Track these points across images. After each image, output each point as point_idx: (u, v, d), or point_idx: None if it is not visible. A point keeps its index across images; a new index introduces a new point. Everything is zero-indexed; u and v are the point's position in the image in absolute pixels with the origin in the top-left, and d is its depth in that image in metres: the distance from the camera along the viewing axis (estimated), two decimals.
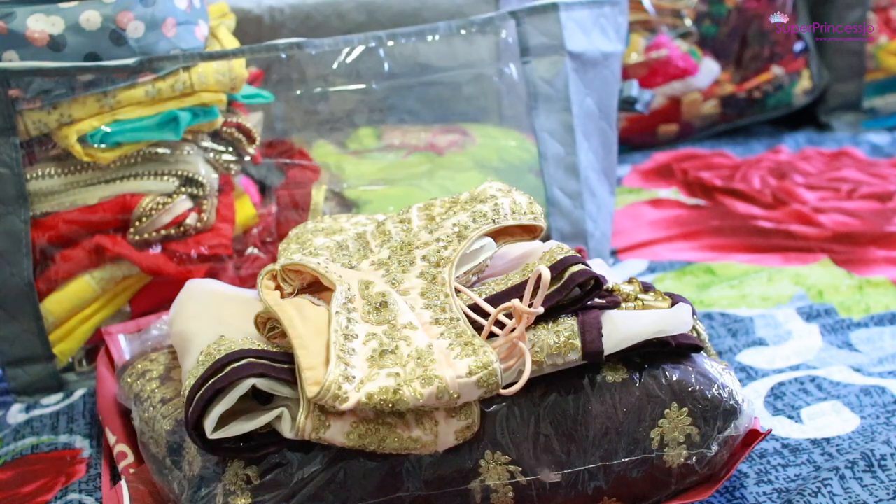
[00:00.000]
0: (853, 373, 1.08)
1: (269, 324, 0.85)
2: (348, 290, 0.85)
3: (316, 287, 0.89)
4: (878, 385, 1.04)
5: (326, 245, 0.95)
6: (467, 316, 0.84)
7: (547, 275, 0.79)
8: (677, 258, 1.42)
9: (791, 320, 1.21)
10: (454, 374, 0.77)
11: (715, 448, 0.85)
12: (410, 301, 0.85)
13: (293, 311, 0.83)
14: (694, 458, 0.84)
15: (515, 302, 0.80)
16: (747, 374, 1.09)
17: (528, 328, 0.82)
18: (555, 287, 0.84)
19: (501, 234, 0.95)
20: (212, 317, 0.89)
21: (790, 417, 1.00)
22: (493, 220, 0.93)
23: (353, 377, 0.77)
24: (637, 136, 1.87)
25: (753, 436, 0.88)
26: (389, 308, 0.84)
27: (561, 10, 1.23)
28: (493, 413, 0.82)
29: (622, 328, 0.83)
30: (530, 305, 0.80)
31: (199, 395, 0.77)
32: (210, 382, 0.77)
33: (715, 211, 1.58)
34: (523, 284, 0.85)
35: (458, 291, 0.87)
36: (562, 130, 1.26)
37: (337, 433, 0.77)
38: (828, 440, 0.96)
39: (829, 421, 0.99)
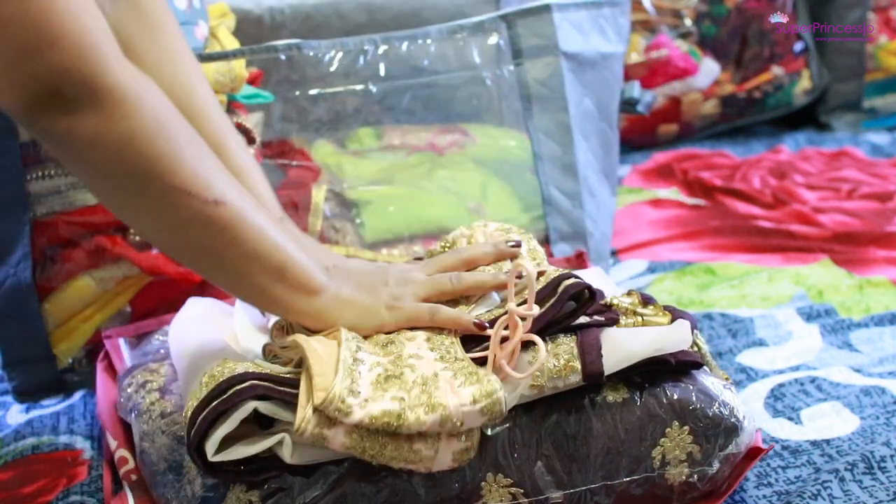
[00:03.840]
0: (853, 373, 1.08)
1: (275, 352, 0.86)
2: (355, 336, 0.85)
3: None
4: (879, 386, 1.04)
5: None
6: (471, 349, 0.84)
7: (531, 271, 0.80)
8: (677, 258, 1.42)
9: (791, 320, 1.21)
10: (458, 402, 0.77)
11: (716, 465, 0.84)
12: (416, 345, 0.85)
13: (304, 335, 0.84)
14: (695, 476, 0.84)
15: (511, 305, 0.81)
16: (747, 375, 1.09)
17: (527, 347, 0.82)
18: (549, 303, 0.84)
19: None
20: (212, 338, 0.89)
21: (790, 419, 1.00)
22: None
23: (359, 393, 0.77)
24: (637, 136, 1.87)
25: (756, 451, 0.88)
26: (395, 345, 0.84)
27: (554, 12, 1.23)
28: (495, 436, 0.81)
29: (621, 347, 0.82)
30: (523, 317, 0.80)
31: (201, 417, 0.77)
32: (213, 405, 0.77)
33: (715, 211, 1.58)
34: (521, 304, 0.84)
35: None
36: (558, 130, 1.25)
37: (339, 433, 0.76)
38: (828, 441, 0.96)
39: (829, 422, 0.99)
